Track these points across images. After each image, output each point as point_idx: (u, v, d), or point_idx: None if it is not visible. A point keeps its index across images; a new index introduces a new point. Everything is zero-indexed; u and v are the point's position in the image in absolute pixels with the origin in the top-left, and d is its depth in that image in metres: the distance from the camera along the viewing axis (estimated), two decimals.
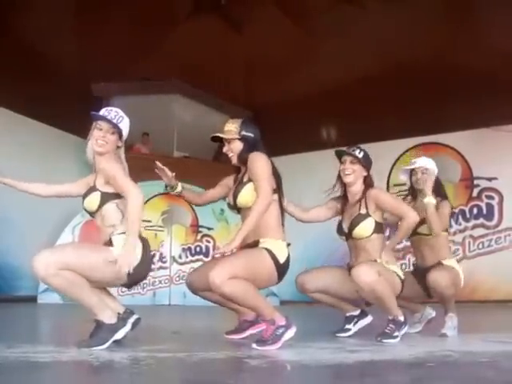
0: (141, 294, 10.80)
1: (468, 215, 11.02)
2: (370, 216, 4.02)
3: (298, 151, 12.10)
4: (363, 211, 4.03)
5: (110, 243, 3.39)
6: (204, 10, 10.50)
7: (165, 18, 10.41)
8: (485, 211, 10.93)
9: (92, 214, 3.55)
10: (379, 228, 4.07)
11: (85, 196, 3.57)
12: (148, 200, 11.22)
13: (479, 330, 4.61)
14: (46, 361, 2.80)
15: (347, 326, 4.34)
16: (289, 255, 3.65)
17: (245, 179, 3.75)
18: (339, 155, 4.21)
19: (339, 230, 4.21)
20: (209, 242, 11.40)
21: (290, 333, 3.50)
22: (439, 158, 10.86)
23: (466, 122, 10.58)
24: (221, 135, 3.85)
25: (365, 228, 4.02)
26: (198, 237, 11.52)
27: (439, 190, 4.65)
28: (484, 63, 9.97)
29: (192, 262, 11.39)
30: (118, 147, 3.61)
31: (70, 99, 10.25)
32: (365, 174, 4.15)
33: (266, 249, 3.58)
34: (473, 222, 10.97)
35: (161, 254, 11.17)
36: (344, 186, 4.21)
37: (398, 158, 11.19)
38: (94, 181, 3.56)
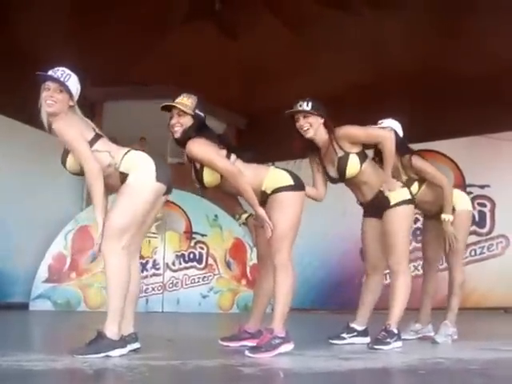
0: None
1: None
2: (349, 154, 4.02)
3: (293, 158, 12.09)
4: (340, 153, 4.03)
5: (121, 176, 3.45)
6: (199, 16, 10.51)
7: (160, 24, 10.41)
8: (477, 218, 10.94)
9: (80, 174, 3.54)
10: (363, 157, 4.10)
11: (63, 160, 3.56)
12: None
13: (471, 337, 4.62)
14: (40, 369, 2.79)
15: (343, 335, 4.32)
16: None
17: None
18: (290, 115, 4.15)
19: (331, 179, 4.19)
20: (202, 248, 11.39)
21: (287, 347, 3.51)
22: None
23: (458, 129, 10.61)
24: (177, 105, 3.88)
25: (352, 166, 4.03)
26: (192, 243, 11.51)
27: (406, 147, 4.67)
28: (478, 71, 10.00)
29: (185, 268, 11.39)
30: (71, 106, 3.51)
31: None
32: (321, 120, 4.10)
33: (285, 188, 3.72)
34: None
35: (154, 260, 11.15)
36: (310, 141, 4.15)
37: None
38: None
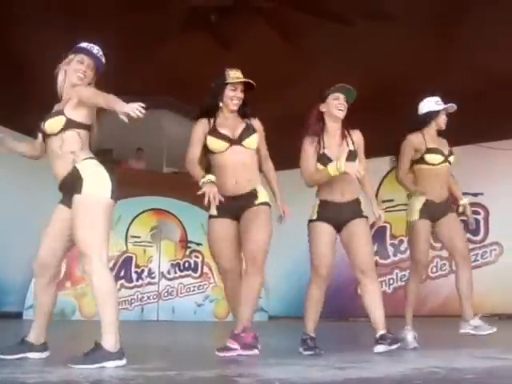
0: (128, 310, 10.77)
1: None
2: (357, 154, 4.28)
3: (286, 168, 12.12)
4: (352, 148, 4.26)
5: (75, 172, 3.35)
6: (194, 27, 10.52)
7: (156, 35, 10.40)
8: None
9: (49, 135, 3.46)
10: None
11: (48, 118, 3.47)
12: (137, 216, 11.23)
13: (466, 345, 4.61)
14: (35, 381, 2.75)
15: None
16: None
17: (252, 128, 4.06)
18: (338, 91, 4.41)
19: (329, 161, 4.14)
20: (197, 257, 11.41)
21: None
22: None
23: (451, 138, 10.64)
24: (252, 81, 4.16)
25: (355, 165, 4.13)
26: (187, 252, 11.52)
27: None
28: (469, 81, 10.05)
29: (181, 277, 11.39)
30: (89, 84, 3.57)
31: None
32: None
33: (266, 203, 3.94)
34: None
35: (149, 269, 11.15)
36: (323, 121, 4.35)
37: (386, 176, 11.32)
38: (61, 106, 3.48)
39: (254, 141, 4.01)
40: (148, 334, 7.40)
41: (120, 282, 10.84)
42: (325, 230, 4.17)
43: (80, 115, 3.44)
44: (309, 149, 4.24)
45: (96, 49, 3.57)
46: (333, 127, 4.31)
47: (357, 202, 4.27)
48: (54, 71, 3.59)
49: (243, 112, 4.11)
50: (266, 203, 3.94)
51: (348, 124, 4.36)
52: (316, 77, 11.11)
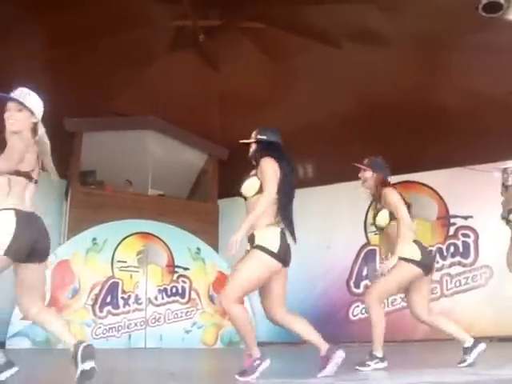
0: (116, 337, 10.59)
1: (445, 253, 11.05)
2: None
3: None
4: (379, 205, 4.83)
5: None
6: (181, 47, 10.52)
7: (141, 54, 10.38)
8: (461, 249, 10.95)
9: None
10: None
11: None
12: (123, 239, 11.09)
13: (454, 364, 4.59)
14: None
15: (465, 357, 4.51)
16: (282, 239, 3.98)
17: (252, 173, 4.14)
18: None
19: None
20: (185, 282, 11.25)
21: (265, 364, 3.90)
22: (416, 196, 10.93)
23: (441, 161, 10.67)
24: (243, 141, 4.35)
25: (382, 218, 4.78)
26: (174, 277, 11.37)
27: None
28: (459, 103, 10.09)
29: (168, 303, 11.23)
30: (35, 123, 3.64)
31: None
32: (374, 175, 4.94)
33: (259, 246, 3.91)
34: (450, 260, 10.99)
35: (136, 295, 10.98)
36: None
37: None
38: None
39: (247, 187, 4.10)
40: (147, 360, 7.23)
41: (107, 309, 10.67)
42: None
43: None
44: None
45: (18, 90, 3.64)
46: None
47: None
48: None
49: (255, 159, 4.28)
50: (258, 246, 3.94)
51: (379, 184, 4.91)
52: (302, 96, 11.16)
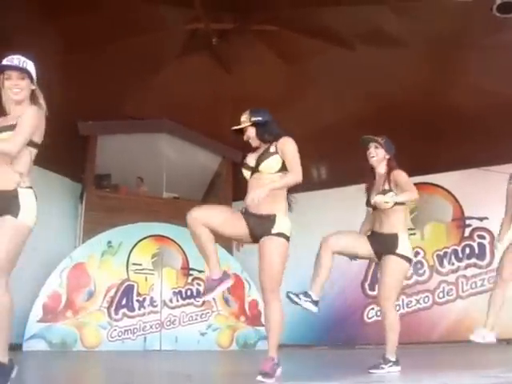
0: (131, 340, 10.62)
1: (461, 255, 11.00)
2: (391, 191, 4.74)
3: (289, 191, 12.10)
4: (386, 186, 4.77)
5: (14, 193, 3.36)
6: (194, 50, 10.55)
7: (154, 57, 10.42)
8: (477, 251, 10.90)
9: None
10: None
11: (4, 129, 3.45)
12: (138, 242, 11.13)
13: (473, 366, 4.59)
14: None
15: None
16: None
17: (271, 150, 4.19)
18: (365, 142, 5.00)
19: (367, 201, 4.90)
20: (200, 284, 11.26)
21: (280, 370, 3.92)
22: (431, 197, 10.89)
23: (456, 162, 10.62)
24: (235, 127, 4.37)
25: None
26: (189, 280, 11.39)
27: None
28: (474, 104, 10.02)
29: (183, 305, 11.25)
30: (33, 90, 3.61)
31: (55, 138, 10.15)
32: (387, 156, 4.95)
33: (282, 234, 4.02)
34: (465, 262, 10.94)
35: (151, 298, 11.01)
36: (372, 168, 4.98)
37: None
38: (11, 121, 3.48)
39: (272, 164, 4.16)
40: (165, 362, 7.23)
41: (122, 311, 10.72)
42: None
43: (36, 134, 3.49)
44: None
45: (16, 58, 3.57)
46: (378, 172, 4.97)
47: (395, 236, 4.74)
48: None
49: (266, 139, 4.33)
50: (282, 234, 4.05)
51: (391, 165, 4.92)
52: (316, 99, 11.14)
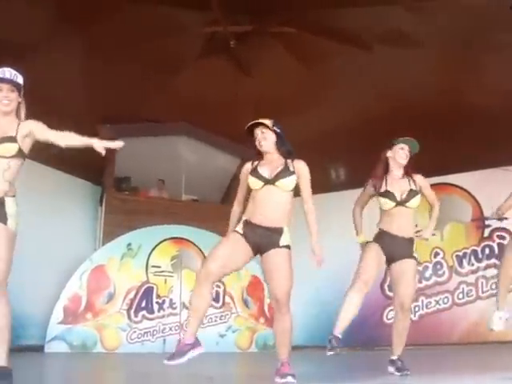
0: (151, 342, 10.67)
1: (480, 255, 10.93)
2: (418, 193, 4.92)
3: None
4: (413, 187, 4.93)
5: (1, 200, 3.50)
6: (213, 52, 10.59)
7: (173, 60, 10.47)
8: (496, 251, 10.82)
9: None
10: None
11: (2, 141, 3.56)
12: (157, 245, 11.19)
13: (492, 368, 4.55)
14: None
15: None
16: None
17: (290, 169, 4.21)
18: (404, 142, 5.08)
19: (392, 197, 4.89)
20: (219, 286, 11.27)
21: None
22: (449, 198, 10.84)
23: (475, 162, 10.56)
24: (262, 121, 4.35)
25: (417, 201, 4.90)
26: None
27: None
28: (492, 103, 9.96)
29: None
30: (19, 103, 3.73)
31: None
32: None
33: (288, 246, 4.09)
34: (485, 263, 10.87)
35: (171, 300, 11.06)
36: (387, 166, 5.10)
37: None
38: (15, 131, 3.62)
39: (289, 183, 4.16)
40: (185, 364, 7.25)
41: (141, 313, 10.78)
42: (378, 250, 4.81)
43: (26, 146, 3.66)
44: (369, 189, 5.15)
45: (7, 71, 3.65)
46: (396, 170, 5.04)
47: (410, 240, 4.88)
48: None
49: (284, 153, 4.34)
50: (288, 246, 4.10)
51: (410, 168, 5.07)
52: (334, 101, 11.13)
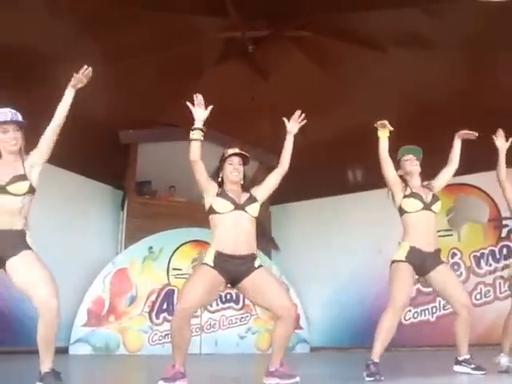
0: None
1: (498, 255, 10.93)
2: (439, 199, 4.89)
3: (325, 195, 12.15)
4: (434, 193, 4.95)
5: (22, 234, 3.64)
6: (231, 57, 10.71)
7: (192, 66, 10.59)
8: None
9: (12, 196, 3.66)
10: None
11: (14, 181, 3.69)
12: (178, 248, 11.33)
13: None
14: None
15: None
16: None
17: (255, 196, 4.34)
18: (407, 153, 5.13)
19: (419, 198, 4.83)
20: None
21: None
22: (467, 198, 10.86)
23: (491, 162, 10.56)
24: (246, 154, 4.51)
25: (440, 205, 4.88)
26: (228, 284, 11.51)
27: None
28: (508, 104, 9.98)
29: (223, 309, 11.40)
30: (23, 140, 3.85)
31: (97, 147, 10.33)
32: None
33: (262, 266, 4.14)
34: (503, 263, 10.86)
35: None
36: (405, 182, 5.00)
37: None
38: (23, 169, 3.76)
39: (256, 209, 4.24)
40: (207, 365, 7.37)
41: (163, 316, 10.92)
42: (409, 270, 4.60)
43: (34, 179, 3.80)
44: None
45: (9, 112, 3.77)
46: (415, 181, 4.99)
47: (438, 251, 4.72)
48: None
49: (244, 187, 4.40)
50: (262, 266, 4.16)
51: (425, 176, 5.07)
52: (352, 104, 11.20)
